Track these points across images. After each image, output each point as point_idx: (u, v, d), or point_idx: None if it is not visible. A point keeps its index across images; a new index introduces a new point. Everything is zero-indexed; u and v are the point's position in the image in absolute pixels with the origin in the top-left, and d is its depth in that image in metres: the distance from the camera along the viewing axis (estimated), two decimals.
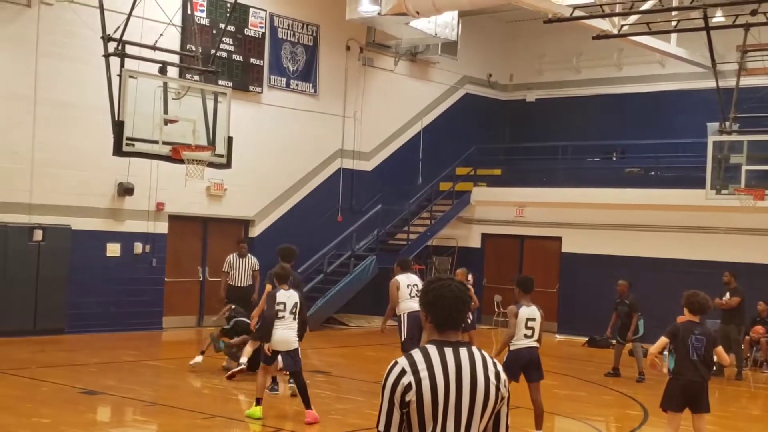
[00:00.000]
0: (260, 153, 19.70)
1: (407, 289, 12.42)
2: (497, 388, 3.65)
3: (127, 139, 12.72)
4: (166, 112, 13.10)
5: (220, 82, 17.10)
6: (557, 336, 21.13)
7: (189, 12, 16.82)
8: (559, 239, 21.99)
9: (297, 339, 10.46)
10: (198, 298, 19.35)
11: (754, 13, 15.32)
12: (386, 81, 22.69)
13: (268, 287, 11.99)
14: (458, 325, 3.71)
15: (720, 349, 8.80)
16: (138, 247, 17.97)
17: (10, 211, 16.11)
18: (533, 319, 9.76)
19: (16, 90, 16.21)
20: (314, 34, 21.01)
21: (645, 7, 16.81)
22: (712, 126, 19.02)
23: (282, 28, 20.33)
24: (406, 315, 12.31)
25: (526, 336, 9.74)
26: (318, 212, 21.09)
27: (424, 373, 3.56)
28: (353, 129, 21.98)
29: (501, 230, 22.95)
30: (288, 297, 10.40)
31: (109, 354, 14.97)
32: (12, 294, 16.01)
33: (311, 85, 20.99)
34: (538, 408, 9.78)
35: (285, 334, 10.33)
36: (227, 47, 18.89)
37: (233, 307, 14.35)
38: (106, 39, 13.18)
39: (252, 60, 19.66)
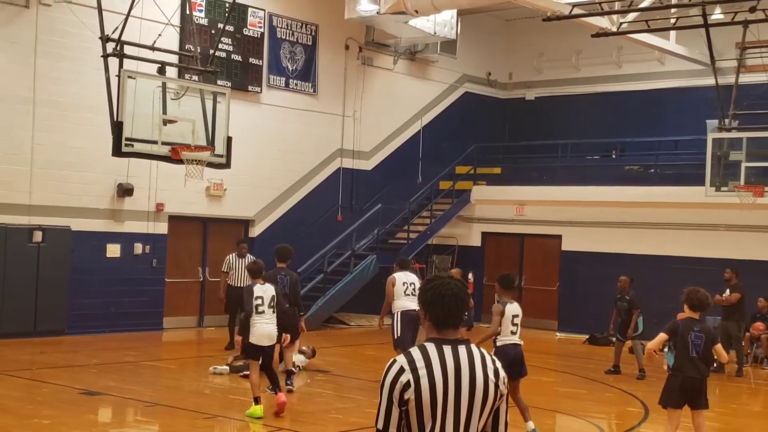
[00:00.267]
0: (260, 153, 19.70)
1: (403, 286, 12.44)
2: (496, 386, 3.65)
3: (127, 139, 12.71)
4: (165, 112, 13.09)
5: (219, 82, 17.10)
6: (558, 334, 21.13)
7: (187, 12, 16.80)
8: (559, 237, 21.99)
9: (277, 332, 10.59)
10: (198, 298, 19.35)
11: (752, 10, 15.30)
12: (385, 80, 22.69)
13: None
14: (457, 324, 3.71)
15: (719, 346, 8.80)
16: (138, 248, 17.96)
17: (9, 213, 16.10)
18: (517, 316, 9.97)
19: (15, 91, 16.19)
20: (313, 34, 21.00)
21: (644, 4, 16.83)
22: (712, 123, 19.02)
23: (281, 27, 20.33)
24: (399, 313, 12.35)
25: (512, 333, 9.91)
26: (318, 212, 21.09)
27: (422, 371, 3.56)
28: (353, 128, 21.97)
29: (501, 229, 22.95)
30: (264, 291, 10.50)
31: (110, 355, 14.96)
32: (12, 295, 16.00)
33: (310, 84, 20.99)
34: (522, 404, 9.86)
35: (268, 328, 10.43)
36: (226, 47, 18.89)
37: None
38: (105, 39, 13.16)
39: (251, 60, 19.65)
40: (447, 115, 24.26)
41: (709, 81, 18.46)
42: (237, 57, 19.33)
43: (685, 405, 8.68)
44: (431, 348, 3.63)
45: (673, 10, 17.30)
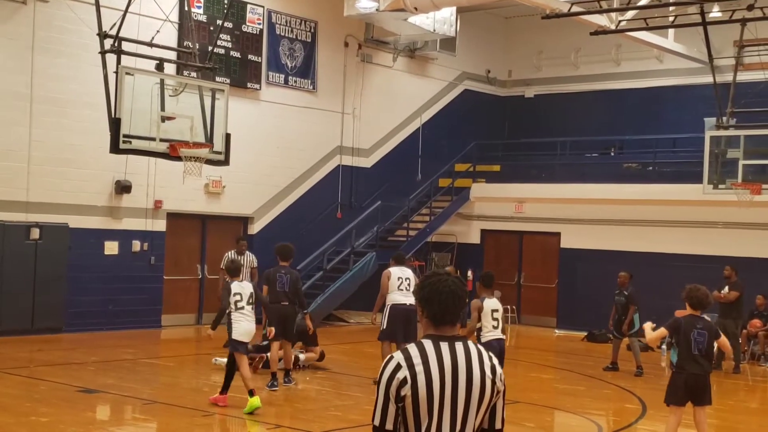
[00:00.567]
0: (259, 150, 19.69)
1: (397, 281, 12.49)
2: (493, 382, 3.65)
3: (124, 136, 12.67)
4: (163, 109, 13.07)
5: (218, 79, 17.06)
6: (556, 331, 21.17)
7: (186, 8, 16.78)
8: (557, 234, 22.01)
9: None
10: (197, 295, 19.34)
11: (750, 8, 15.31)
12: (385, 77, 22.67)
13: (265, 288, 12.02)
14: (454, 321, 3.71)
15: (723, 339, 8.87)
16: (136, 245, 17.95)
17: (6, 210, 16.08)
18: (497, 311, 10.35)
19: (13, 88, 16.17)
20: (312, 31, 20.99)
21: (642, 2, 16.82)
22: (710, 121, 19.04)
23: (280, 24, 20.31)
24: (389, 307, 12.45)
25: (494, 327, 10.28)
26: (317, 209, 21.08)
27: (419, 368, 3.55)
28: (352, 125, 21.96)
29: (500, 226, 22.97)
30: (243, 288, 10.79)
31: (108, 352, 14.96)
32: (10, 293, 15.98)
33: (310, 81, 20.97)
34: None
35: (249, 326, 10.72)
36: (225, 44, 18.87)
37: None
38: (103, 36, 13.13)
39: (250, 56, 19.64)
40: (446, 112, 24.25)
41: (707, 79, 18.46)
42: (236, 54, 19.32)
43: (689, 402, 8.72)
44: (428, 345, 3.62)
45: (671, 8, 17.30)
